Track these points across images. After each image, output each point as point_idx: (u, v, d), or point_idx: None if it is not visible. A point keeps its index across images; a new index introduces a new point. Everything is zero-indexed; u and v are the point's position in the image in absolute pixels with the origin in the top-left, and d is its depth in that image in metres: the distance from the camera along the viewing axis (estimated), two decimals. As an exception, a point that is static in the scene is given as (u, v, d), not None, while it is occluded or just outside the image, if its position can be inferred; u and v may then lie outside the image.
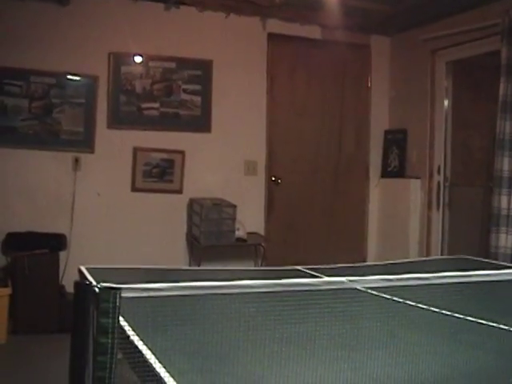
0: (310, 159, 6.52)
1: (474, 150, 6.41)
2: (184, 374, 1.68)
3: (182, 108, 5.91)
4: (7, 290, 4.86)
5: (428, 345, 2.05)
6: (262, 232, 6.19)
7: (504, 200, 4.94)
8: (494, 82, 5.12)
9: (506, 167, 4.95)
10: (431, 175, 6.10)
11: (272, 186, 6.34)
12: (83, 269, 2.76)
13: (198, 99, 5.96)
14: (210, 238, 5.58)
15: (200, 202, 5.66)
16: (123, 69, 5.72)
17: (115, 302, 1.63)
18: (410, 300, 2.53)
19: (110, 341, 1.63)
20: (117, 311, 1.64)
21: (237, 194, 5.92)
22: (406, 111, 6.46)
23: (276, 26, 6.19)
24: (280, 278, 1.87)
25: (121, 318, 1.68)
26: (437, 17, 5.80)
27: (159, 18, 5.79)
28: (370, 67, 6.70)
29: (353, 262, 4.25)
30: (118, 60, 5.70)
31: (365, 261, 6.50)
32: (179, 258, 5.86)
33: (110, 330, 1.63)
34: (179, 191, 5.91)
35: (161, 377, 1.62)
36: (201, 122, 5.97)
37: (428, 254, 5.99)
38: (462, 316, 2.39)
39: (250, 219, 6.00)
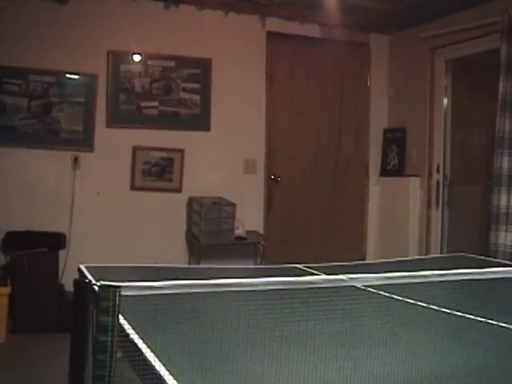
0: (310, 158, 6.52)
1: (473, 149, 6.42)
2: (184, 373, 1.68)
3: (181, 107, 5.91)
4: (6, 289, 4.86)
5: (428, 343, 2.05)
6: (261, 230, 6.19)
7: (503, 198, 4.94)
8: (494, 81, 5.12)
9: (505, 165, 4.95)
10: (430, 174, 6.10)
11: (271, 185, 6.34)
12: (83, 267, 2.76)
13: (197, 98, 5.96)
14: (210, 236, 5.58)
15: (199, 201, 5.66)
16: (122, 67, 5.72)
17: (115, 301, 1.63)
18: (409, 298, 2.53)
19: (109, 339, 1.63)
20: (116, 309, 1.64)
21: (236, 193, 5.92)
22: (406, 110, 6.45)
23: (275, 24, 6.19)
24: (279, 277, 1.87)
25: (120, 317, 1.68)
26: (436, 15, 5.79)
27: (158, 16, 5.79)
28: (370, 66, 6.70)
29: (352, 261, 4.24)
30: (118, 58, 5.69)
31: (364, 259, 6.49)
32: (179, 257, 5.85)
33: (110, 329, 1.63)
34: (178, 190, 5.90)
35: (160, 375, 1.62)
36: (200, 121, 5.97)
37: (427, 253, 5.99)
38: (461, 314, 2.39)
39: (250, 218, 6.00)
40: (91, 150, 5.63)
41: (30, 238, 5.19)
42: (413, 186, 6.17)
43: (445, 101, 6.10)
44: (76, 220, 5.52)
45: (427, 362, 1.82)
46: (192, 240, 5.81)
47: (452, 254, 4.57)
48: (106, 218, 5.66)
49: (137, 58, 5.77)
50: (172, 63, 5.88)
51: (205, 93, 5.98)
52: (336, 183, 6.64)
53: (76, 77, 5.60)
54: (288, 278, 1.84)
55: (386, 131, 6.69)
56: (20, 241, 5.17)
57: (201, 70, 5.97)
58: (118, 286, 1.65)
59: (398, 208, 6.33)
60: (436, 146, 6.10)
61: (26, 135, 5.44)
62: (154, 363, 1.67)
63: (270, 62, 6.27)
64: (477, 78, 6.25)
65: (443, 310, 2.43)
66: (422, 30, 6.07)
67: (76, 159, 5.57)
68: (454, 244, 5.96)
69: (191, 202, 5.86)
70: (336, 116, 6.63)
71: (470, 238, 5.94)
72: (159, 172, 5.86)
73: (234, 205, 5.64)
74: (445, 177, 6.12)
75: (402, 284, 2.03)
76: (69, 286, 4.83)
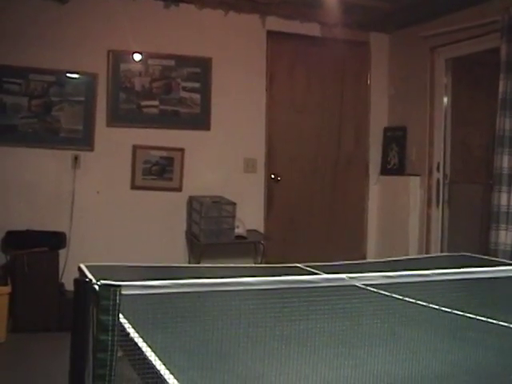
0: (310, 157, 6.52)
1: (473, 148, 6.41)
2: (184, 372, 1.68)
3: (181, 106, 5.90)
4: (7, 289, 4.86)
5: (428, 342, 2.05)
6: (261, 229, 6.19)
7: (504, 197, 4.94)
8: (494, 80, 5.11)
9: (505, 164, 4.95)
10: (431, 172, 6.10)
11: (272, 184, 6.34)
12: (83, 266, 2.76)
13: (197, 97, 5.96)
14: (210, 235, 5.58)
15: (199, 200, 5.66)
16: (122, 66, 5.72)
17: (115, 300, 1.63)
18: (409, 297, 2.53)
19: (109, 338, 1.63)
20: (117, 308, 1.64)
21: (236, 192, 5.91)
22: (406, 108, 6.45)
23: (275, 23, 6.18)
24: (280, 276, 1.87)
25: (121, 316, 1.68)
26: (436, 14, 5.79)
27: (158, 15, 5.79)
28: (370, 64, 6.69)
29: (352, 260, 4.24)
30: (118, 58, 5.69)
31: (364, 258, 6.49)
32: (179, 256, 5.85)
33: (110, 328, 1.63)
34: (179, 189, 5.90)
35: (161, 374, 1.62)
36: (200, 120, 5.97)
37: (428, 252, 5.99)
38: (461, 313, 2.39)
39: (250, 217, 6.00)
40: (91, 149, 5.63)
41: (31, 237, 5.19)
42: (413, 185, 6.17)
43: (445, 100, 6.10)
44: (76, 219, 5.52)
45: (427, 360, 1.82)
46: (192, 239, 5.81)
47: (452, 253, 4.58)
48: (107, 217, 5.66)
49: (137, 57, 5.77)
50: (172, 62, 5.88)
51: (205, 92, 5.98)
52: (336, 182, 6.64)
53: (76, 76, 5.59)
54: (288, 277, 1.84)
55: (386, 130, 6.69)
56: (20, 240, 5.17)
57: (201, 69, 5.97)
58: (119, 285, 1.65)
59: (399, 207, 6.33)
60: (436, 145, 6.09)
61: (27, 134, 5.44)
62: (154, 362, 1.68)
63: (270, 61, 6.27)
64: (477, 76, 6.25)
65: (443, 308, 2.43)
66: (422, 29, 6.07)
67: (76, 158, 5.57)
68: (454, 243, 5.97)
69: (191, 201, 5.86)
70: (336, 115, 6.63)
71: (470, 237, 5.94)
72: (159, 171, 5.86)
73: (234, 204, 5.64)
74: (445, 176, 6.12)
75: (402, 283, 2.03)
76: (69, 285, 4.82)
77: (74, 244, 5.44)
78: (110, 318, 1.63)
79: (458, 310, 2.41)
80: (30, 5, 5.38)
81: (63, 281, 5.24)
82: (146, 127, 5.80)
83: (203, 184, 5.91)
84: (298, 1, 5.94)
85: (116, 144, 5.69)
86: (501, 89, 4.98)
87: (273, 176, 6.33)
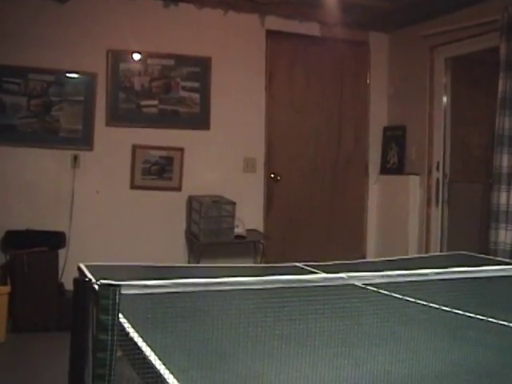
0: (309, 156, 6.52)
1: (473, 147, 6.41)
2: (184, 371, 1.68)
3: (180, 105, 5.90)
4: (6, 288, 4.86)
5: (428, 341, 2.05)
6: (261, 229, 6.19)
7: (503, 196, 4.94)
8: (493, 79, 5.11)
9: (505, 163, 4.95)
10: (430, 172, 6.10)
11: (271, 183, 6.34)
12: (82, 266, 2.76)
13: (196, 96, 5.96)
14: (210, 235, 5.58)
15: (199, 200, 5.66)
16: (122, 66, 5.72)
17: (115, 299, 1.63)
18: (409, 296, 2.53)
19: (109, 338, 1.63)
20: (116, 308, 1.63)
21: (236, 191, 5.91)
22: (405, 108, 6.45)
23: (275, 22, 6.18)
24: (280, 275, 1.87)
25: (120, 315, 1.68)
26: (435, 13, 5.79)
27: (158, 15, 5.79)
28: (369, 64, 6.69)
29: (352, 259, 4.24)
30: (117, 57, 5.69)
31: (364, 257, 6.49)
32: (178, 256, 5.85)
33: (110, 327, 1.62)
34: (178, 188, 5.90)
35: (160, 374, 1.62)
36: (200, 119, 5.97)
37: (427, 251, 5.99)
38: (461, 312, 2.39)
39: (249, 216, 6.00)
40: (91, 149, 5.63)
41: (30, 236, 5.19)
42: (412, 185, 6.17)
43: (444, 99, 6.10)
44: (76, 219, 5.52)
45: (427, 360, 1.82)
46: (192, 239, 5.81)
47: (452, 252, 4.57)
48: (106, 217, 5.66)
49: (136, 56, 5.76)
50: (171, 62, 5.87)
51: (204, 91, 5.97)
52: (336, 182, 6.64)
53: (75, 75, 5.59)
54: (288, 277, 1.84)
55: (385, 129, 6.68)
56: (20, 240, 5.17)
57: (200, 69, 5.97)
58: (118, 285, 1.64)
59: (398, 206, 6.33)
60: (436, 144, 6.10)
61: (26, 134, 5.43)
62: (154, 362, 1.68)
63: (270, 60, 6.27)
64: (476, 76, 6.25)
65: (443, 308, 2.43)
66: (422, 29, 6.06)
67: (76, 158, 5.56)
68: (453, 242, 5.97)
69: (191, 200, 5.86)
70: (335, 114, 6.63)
71: (469, 237, 5.94)
72: (159, 171, 5.86)
73: (233, 203, 5.64)
74: (444, 175, 6.12)
75: (401, 282, 2.03)
76: (69, 285, 4.83)
77: (74, 244, 5.43)
78: (110, 317, 1.62)
79: (457, 310, 2.41)
80: (30, 4, 5.38)
81: (63, 280, 5.24)
82: (146, 127, 5.80)
83: (203, 184, 5.91)
84: (297, 0, 5.93)
85: (115, 144, 5.69)
86: (500, 88, 4.98)
87: (272, 175, 6.33)
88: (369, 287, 2.57)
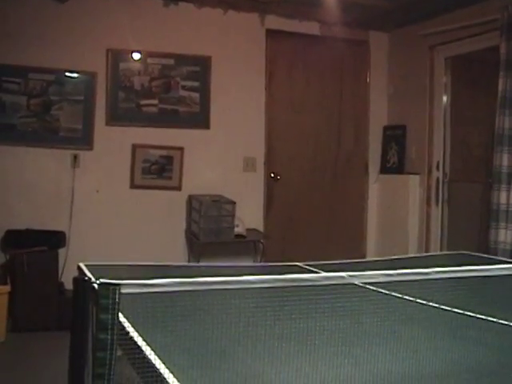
0: (309, 156, 6.51)
1: (472, 146, 6.41)
2: (184, 370, 1.67)
3: (180, 104, 5.90)
4: (6, 288, 4.86)
5: (428, 340, 2.05)
6: (261, 228, 6.19)
7: (503, 196, 4.94)
8: (493, 78, 5.10)
9: (505, 163, 4.94)
10: (430, 171, 6.09)
11: (271, 183, 6.33)
12: (82, 265, 2.75)
13: (196, 96, 5.96)
14: (209, 234, 5.57)
15: (199, 199, 5.66)
16: (122, 65, 5.71)
17: (114, 298, 1.63)
18: (409, 295, 2.52)
19: (109, 337, 1.62)
20: (116, 307, 1.63)
21: (236, 191, 5.91)
22: (405, 107, 6.45)
23: (274, 22, 6.18)
24: (280, 274, 1.86)
25: (120, 315, 1.68)
26: (435, 12, 5.78)
27: (158, 14, 5.78)
28: (369, 63, 6.69)
29: (352, 258, 4.24)
30: (117, 56, 5.69)
31: (364, 257, 6.49)
32: (178, 255, 5.85)
33: (110, 327, 1.62)
34: (178, 188, 5.90)
35: (160, 373, 1.61)
36: (199, 119, 5.97)
37: (427, 250, 5.99)
38: (461, 311, 2.39)
39: (249, 216, 6.00)
40: (91, 148, 5.62)
41: (30, 236, 5.19)
42: (412, 184, 6.16)
43: (444, 98, 6.10)
44: (76, 218, 5.52)
45: (427, 359, 1.82)
46: (192, 238, 5.81)
47: (452, 252, 4.57)
48: (106, 217, 5.66)
49: (136, 55, 5.76)
50: (171, 61, 5.87)
51: (204, 91, 5.97)
52: (336, 181, 6.64)
53: (75, 75, 5.59)
54: (288, 276, 1.83)
55: (385, 129, 6.68)
56: (20, 239, 5.17)
57: (200, 68, 5.97)
58: (118, 284, 1.64)
59: (398, 206, 6.32)
60: (436, 144, 6.09)
61: (26, 133, 5.43)
62: (154, 361, 1.67)
63: (270, 59, 6.26)
64: (476, 75, 6.24)
65: (443, 307, 2.43)
66: (422, 28, 6.06)
67: (75, 157, 5.56)
68: (453, 242, 5.96)
69: (191, 199, 5.86)
70: (335, 114, 6.63)
71: (469, 236, 5.94)
72: (159, 170, 5.86)
73: (233, 203, 5.64)
74: (444, 174, 6.12)
75: (401, 281, 2.02)
76: (69, 284, 4.83)
77: (74, 243, 5.43)
78: (110, 316, 1.62)
79: (457, 309, 2.40)
80: (29, 4, 5.38)
81: (63, 280, 5.24)
82: (146, 126, 5.79)
83: (203, 183, 5.91)
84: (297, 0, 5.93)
85: (115, 143, 5.69)
86: (500, 87, 4.98)
87: (272, 175, 6.33)
88: (369, 286, 2.56)
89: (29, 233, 5.21)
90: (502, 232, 4.92)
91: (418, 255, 5.50)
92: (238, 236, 5.69)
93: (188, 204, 5.90)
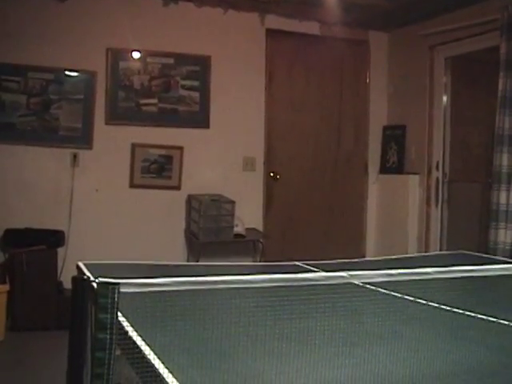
0: (309, 155, 6.51)
1: (472, 146, 6.40)
2: (183, 370, 1.66)
3: (180, 104, 5.89)
4: (5, 287, 4.85)
5: (429, 340, 2.04)
6: (260, 228, 6.18)
7: (503, 196, 4.93)
8: (493, 78, 5.10)
9: (505, 163, 4.94)
10: (430, 171, 6.09)
11: (271, 182, 6.33)
12: (81, 265, 2.75)
13: (196, 95, 5.95)
14: (209, 234, 5.56)
15: (198, 198, 5.65)
16: (121, 64, 5.71)
17: (113, 298, 1.62)
18: (410, 295, 2.52)
19: (108, 337, 1.61)
20: (115, 307, 1.62)
21: (235, 190, 5.90)
22: (405, 107, 6.44)
23: (274, 21, 6.17)
24: (279, 274, 1.85)
25: (119, 314, 1.67)
26: (435, 12, 5.78)
27: (157, 13, 5.78)
28: (369, 63, 6.69)
29: (351, 258, 4.24)
30: (117, 56, 5.68)
31: (364, 257, 6.49)
32: (177, 254, 5.84)
33: (109, 326, 1.61)
34: (177, 187, 5.89)
35: (160, 373, 1.60)
36: (199, 118, 5.96)
37: (427, 250, 5.98)
38: (462, 311, 2.38)
39: (249, 215, 5.99)
40: (90, 148, 5.62)
41: (29, 235, 5.18)
42: (412, 184, 6.16)
43: (444, 98, 6.09)
44: (75, 217, 5.51)
45: (428, 359, 1.81)
46: (191, 237, 5.80)
47: (452, 252, 4.57)
48: (105, 216, 5.65)
49: (136, 55, 5.75)
50: (171, 60, 5.86)
51: (204, 90, 5.96)
52: (335, 181, 6.63)
53: (75, 74, 5.58)
54: (288, 275, 1.83)
55: (385, 128, 6.68)
56: (19, 238, 5.16)
57: (200, 68, 5.96)
58: (117, 283, 1.63)
59: (398, 206, 6.32)
60: (435, 144, 6.09)
61: (25, 132, 5.42)
62: (153, 361, 1.66)
63: (270, 59, 6.26)
64: (476, 75, 6.24)
65: (443, 307, 2.42)
66: (421, 28, 6.06)
67: (75, 156, 5.55)
68: (453, 242, 5.96)
69: (190, 199, 5.85)
70: (335, 113, 6.62)
71: (469, 236, 5.94)
72: (158, 169, 5.85)
73: (233, 202, 5.63)
74: (444, 174, 6.11)
75: (402, 281, 2.02)
76: (68, 284, 4.81)
77: (73, 242, 5.43)
78: (109, 316, 1.61)
79: (458, 309, 2.40)
80: (29, 3, 5.37)
81: (62, 279, 5.23)
82: (145, 125, 5.79)
83: (202, 182, 5.90)
84: (297, -1, 5.93)
85: (115, 142, 5.68)
86: (500, 87, 4.97)
87: (272, 174, 6.32)
88: (369, 286, 2.56)
89: (28, 232, 5.21)
90: (501, 232, 4.92)
91: (417, 255, 5.50)
92: (238, 235, 5.69)
93: (187, 203, 5.90)
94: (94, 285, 1.69)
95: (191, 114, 5.94)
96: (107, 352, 1.61)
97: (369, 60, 6.69)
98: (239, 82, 6.09)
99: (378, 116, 6.68)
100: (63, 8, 5.46)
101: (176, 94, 5.88)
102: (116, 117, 5.70)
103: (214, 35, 5.96)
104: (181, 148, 5.88)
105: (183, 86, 5.91)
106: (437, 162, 6.08)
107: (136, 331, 1.85)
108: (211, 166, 6.01)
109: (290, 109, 6.42)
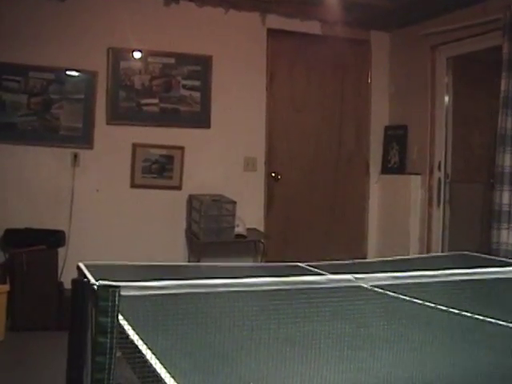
0: (310, 155, 6.49)
1: (474, 146, 6.39)
2: (185, 375, 1.64)
3: (181, 104, 5.88)
4: (5, 287, 4.85)
5: (436, 344, 2.01)
6: (261, 228, 6.16)
7: (505, 196, 4.92)
8: (496, 78, 5.08)
9: (507, 163, 4.92)
10: (432, 171, 6.07)
11: (272, 182, 6.31)
12: (82, 265, 2.72)
13: (197, 95, 5.93)
14: (210, 234, 5.55)
15: (199, 199, 5.64)
16: (122, 64, 5.69)
17: (114, 301, 1.60)
18: (416, 298, 2.49)
19: (108, 340, 1.59)
20: (116, 310, 1.60)
21: (236, 190, 5.89)
22: (407, 107, 6.43)
23: (276, 21, 6.16)
24: (281, 275, 1.83)
25: (120, 317, 1.65)
26: (437, 12, 5.76)
27: (158, 13, 5.76)
28: (370, 63, 6.67)
29: (353, 259, 4.21)
30: (117, 55, 5.66)
31: (365, 257, 6.47)
32: (178, 255, 5.83)
33: (109, 330, 1.59)
34: (178, 187, 5.88)
35: (161, 377, 1.58)
36: (200, 118, 5.95)
37: (428, 251, 5.97)
38: (470, 314, 2.35)
39: (250, 215, 5.98)
40: (91, 147, 5.60)
41: (29, 235, 5.17)
42: (414, 184, 6.14)
43: (446, 98, 6.08)
44: (75, 217, 5.50)
45: (435, 363, 1.78)
46: (192, 238, 5.79)
47: (454, 253, 4.54)
48: (106, 216, 5.64)
49: (137, 54, 5.74)
50: (172, 60, 5.85)
51: (205, 90, 5.95)
52: (337, 181, 6.62)
53: (76, 74, 5.57)
54: (293, 278, 1.80)
55: (386, 128, 6.66)
56: (19, 238, 5.15)
57: (201, 67, 5.94)
58: (118, 286, 1.61)
59: (399, 206, 6.30)
60: (437, 144, 6.07)
61: (26, 132, 5.41)
62: (154, 365, 1.64)
63: (271, 59, 6.24)
64: (478, 75, 6.22)
65: (451, 310, 2.39)
66: (423, 28, 6.04)
67: (75, 156, 5.54)
68: (455, 242, 5.94)
69: (191, 199, 5.84)
70: (336, 113, 6.61)
71: (471, 237, 5.92)
72: (159, 169, 5.84)
73: (234, 202, 5.61)
74: (446, 175, 6.10)
75: (409, 284, 1.99)
76: (68, 284, 4.75)
77: (73, 242, 5.42)
78: (109, 319, 1.59)
79: (467, 312, 2.36)
80: (30, 2, 5.36)
81: (62, 279, 5.22)
82: (146, 125, 5.77)
83: (203, 182, 5.89)
84: (298, -2, 5.92)
85: (115, 142, 5.67)
86: (502, 87, 4.95)
87: (273, 174, 6.31)
88: (375, 289, 2.53)
89: (28, 232, 5.20)
90: (504, 232, 4.90)
91: (420, 256, 5.48)
92: (239, 236, 5.67)
93: (188, 203, 5.88)
94: (95, 288, 1.66)
95: (192, 113, 5.93)
96: (107, 356, 1.59)
97: (370, 60, 6.67)
98: (240, 82, 6.07)
99: (380, 116, 6.66)
100: (64, 7, 5.44)
101: (177, 93, 5.87)
102: (117, 117, 5.69)
103: (215, 35, 5.94)
104: (182, 148, 5.86)
105: (184, 86, 5.89)
106: (439, 162, 6.06)
107: (137, 334, 1.83)
108: (212, 166, 6.00)
109: (291, 109, 6.41)
